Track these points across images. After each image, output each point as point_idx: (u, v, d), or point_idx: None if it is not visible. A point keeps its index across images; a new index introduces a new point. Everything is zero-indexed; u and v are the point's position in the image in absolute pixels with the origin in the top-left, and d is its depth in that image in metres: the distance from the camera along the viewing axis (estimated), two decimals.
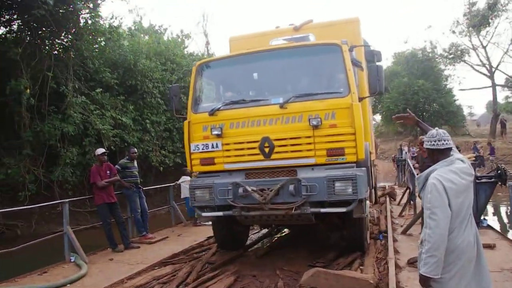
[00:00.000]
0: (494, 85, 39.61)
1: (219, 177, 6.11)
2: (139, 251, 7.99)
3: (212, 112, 6.15)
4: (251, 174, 6.02)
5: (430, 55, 41.76)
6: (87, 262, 7.09)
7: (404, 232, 7.96)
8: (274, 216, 5.85)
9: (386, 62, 55.39)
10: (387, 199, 12.50)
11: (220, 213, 6.12)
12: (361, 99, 5.97)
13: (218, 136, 6.06)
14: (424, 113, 38.29)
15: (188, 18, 76.39)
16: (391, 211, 10.57)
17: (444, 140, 3.16)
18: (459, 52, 41.49)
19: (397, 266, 5.75)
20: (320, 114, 5.63)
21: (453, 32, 40.80)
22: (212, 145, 6.14)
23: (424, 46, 41.68)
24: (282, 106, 5.79)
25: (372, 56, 5.77)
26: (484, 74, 40.19)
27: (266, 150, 5.82)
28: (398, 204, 11.84)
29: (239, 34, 8.46)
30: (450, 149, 3.16)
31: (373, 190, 7.59)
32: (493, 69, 39.06)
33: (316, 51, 6.16)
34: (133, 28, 21.21)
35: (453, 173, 2.97)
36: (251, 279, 5.75)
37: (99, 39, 14.94)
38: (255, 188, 5.70)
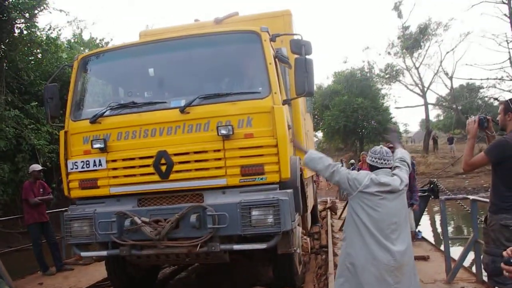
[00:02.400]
0: (426, 104, 41.14)
1: (103, 205, 4.60)
2: (72, 273, 7.26)
3: (95, 119, 4.64)
4: (144, 200, 4.56)
5: (368, 74, 42.83)
6: None
7: None
8: (175, 255, 4.43)
9: (327, 81, 56.29)
10: (329, 213, 12.48)
11: (104, 253, 4.64)
12: (285, 101, 4.71)
13: (102, 150, 4.56)
14: (363, 130, 38.84)
15: (132, 31, 74.20)
16: (332, 225, 10.60)
17: (385, 160, 3.43)
18: (394, 72, 42.97)
19: None
20: (232, 120, 4.31)
21: (389, 53, 42.26)
22: (94, 162, 4.61)
23: (362, 66, 42.80)
24: (183, 110, 4.40)
25: (299, 48, 4.54)
26: (417, 94, 41.74)
27: (163, 168, 4.39)
28: (339, 218, 11.95)
29: (152, 28, 7.05)
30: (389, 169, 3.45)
31: (308, 214, 6.29)
32: (425, 89, 40.65)
33: (229, 41, 4.83)
34: (72, 40, 19.94)
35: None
36: None
37: (35, 51, 14.50)
38: (147, 220, 4.25)
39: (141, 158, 4.50)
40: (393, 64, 42.50)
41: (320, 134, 43.38)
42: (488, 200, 3.64)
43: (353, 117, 36.61)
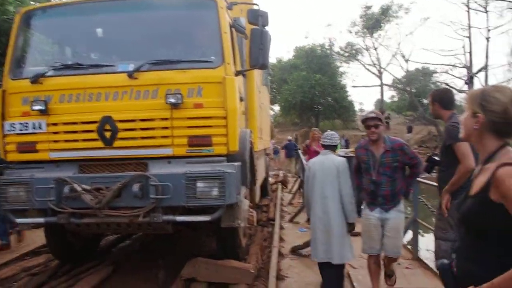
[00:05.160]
0: (382, 85, 42.26)
1: (42, 170, 4.38)
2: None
3: (36, 79, 4.34)
4: (86, 167, 4.37)
5: (328, 51, 43.11)
6: None
7: (291, 220, 8.15)
8: (116, 225, 4.31)
9: (288, 55, 56.10)
10: (280, 186, 12.65)
11: (41, 220, 4.46)
12: (238, 72, 4.61)
13: (42, 112, 4.29)
14: (319, 106, 39.35)
15: None
16: (282, 199, 10.78)
17: (326, 139, 4.25)
18: (353, 51, 43.57)
19: (280, 254, 5.77)
20: (182, 89, 4.16)
21: (350, 32, 42.77)
22: (34, 124, 4.34)
23: (323, 42, 42.96)
24: (131, 75, 4.20)
25: (256, 19, 4.42)
26: (374, 74, 42.72)
27: (107, 134, 4.21)
28: (290, 191, 12.10)
29: None
30: (332, 146, 4.25)
31: (256, 188, 6.30)
32: (382, 70, 41.61)
33: (184, 5, 4.61)
34: None
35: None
36: (130, 270, 5.23)
37: None
38: (88, 187, 4.08)
39: (84, 123, 4.29)
40: (353, 43, 43.13)
41: (277, 107, 43.64)
42: (431, 182, 3.79)
43: (310, 93, 36.98)
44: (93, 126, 4.24)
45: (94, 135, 4.25)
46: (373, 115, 3.89)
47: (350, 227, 4.06)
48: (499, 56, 62.63)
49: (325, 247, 3.99)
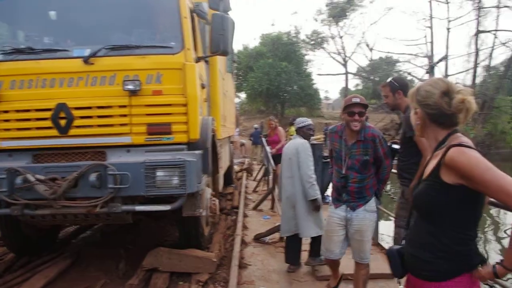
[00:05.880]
0: (347, 73, 42.90)
1: None
2: None
3: None
4: (41, 156, 4.19)
5: (294, 39, 43.23)
6: None
7: (255, 208, 8.13)
8: (73, 216, 4.17)
9: (254, 42, 55.78)
10: (245, 174, 12.81)
11: None
12: (199, 59, 4.53)
13: None
14: (285, 94, 39.51)
15: None
16: (246, 187, 10.81)
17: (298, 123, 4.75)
18: (319, 39, 43.88)
19: (243, 242, 5.77)
20: (141, 75, 4.04)
21: (316, 20, 43.06)
22: None
23: (289, 30, 43.06)
24: (87, 60, 4.04)
25: (217, 4, 4.35)
26: (339, 62, 43.30)
27: (62, 122, 4.04)
28: (254, 179, 12.24)
29: None
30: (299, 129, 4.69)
31: (219, 176, 6.26)
32: (347, 58, 42.20)
33: None
34: None
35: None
36: (91, 260, 5.08)
37: None
38: (42, 177, 3.92)
39: (37, 110, 4.09)
40: (319, 31, 43.46)
41: (243, 95, 43.52)
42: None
43: (276, 81, 37.01)
44: (47, 114, 4.06)
45: (48, 123, 4.07)
46: (358, 100, 3.32)
47: (313, 204, 4.40)
48: (460, 46, 64.73)
49: (293, 222, 4.55)
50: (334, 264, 3.79)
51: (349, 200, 3.41)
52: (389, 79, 3.83)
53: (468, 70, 29.70)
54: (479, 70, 29.97)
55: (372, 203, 3.45)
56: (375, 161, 3.43)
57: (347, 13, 41.38)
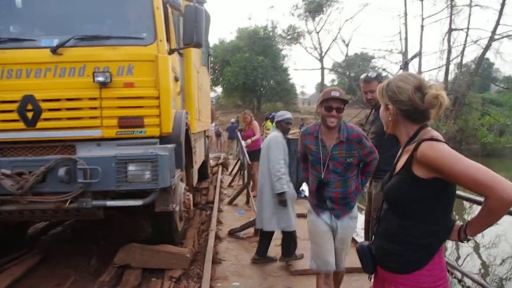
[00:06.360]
0: (323, 68, 43.17)
1: None
2: None
3: None
4: (7, 150, 4.04)
5: (271, 34, 43.19)
6: None
7: (230, 203, 8.12)
8: (41, 212, 4.03)
9: (230, 36, 55.48)
10: (220, 169, 12.83)
11: None
12: (172, 51, 4.44)
13: None
14: (261, 89, 39.53)
15: None
16: (222, 181, 10.77)
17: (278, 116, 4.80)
18: (296, 34, 43.97)
19: (217, 237, 5.73)
20: (112, 67, 3.94)
21: (292, 14, 43.08)
22: None
23: (266, 25, 42.98)
24: (55, 51, 3.91)
25: None
26: (316, 57, 43.56)
27: (29, 115, 3.90)
28: (230, 174, 12.20)
29: None
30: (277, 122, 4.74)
31: (194, 170, 6.18)
32: (323, 54, 42.47)
33: None
34: None
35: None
36: (61, 257, 4.94)
37: None
38: (8, 172, 3.77)
39: (3, 102, 3.94)
40: (296, 26, 43.54)
41: (220, 89, 43.31)
42: None
43: (253, 75, 37.00)
44: (13, 106, 3.92)
45: (14, 116, 3.93)
46: (338, 94, 2.96)
47: (278, 198, 4.45)
48: (434, 43, 66.01)
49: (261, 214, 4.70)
50: (329, 279, 3.18)
51: (333, 208, 3.06)
52: (371, 74, 3.76)
53: (440, 67, 30.32)
54: (452, 67, 30.65)
55: (355, 209, 3.21)
56: (359, 162, 3.13)
57: (323, 8, 41.60)
